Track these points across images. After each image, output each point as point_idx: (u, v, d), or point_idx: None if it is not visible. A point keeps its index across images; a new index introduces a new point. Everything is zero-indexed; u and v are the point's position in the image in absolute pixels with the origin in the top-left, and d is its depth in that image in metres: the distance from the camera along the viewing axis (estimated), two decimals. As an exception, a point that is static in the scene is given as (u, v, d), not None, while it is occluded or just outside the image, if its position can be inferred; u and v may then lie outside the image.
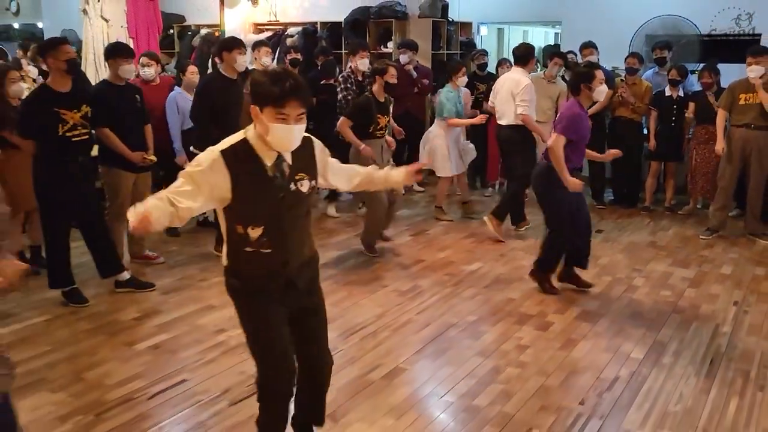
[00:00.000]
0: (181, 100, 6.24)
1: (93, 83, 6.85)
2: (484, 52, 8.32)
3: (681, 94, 7.10)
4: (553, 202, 4.80)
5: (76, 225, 4.82)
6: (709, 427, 3.24)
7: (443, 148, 6.70)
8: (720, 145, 6.24)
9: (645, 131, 7.42)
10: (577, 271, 5.07)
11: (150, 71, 6.23)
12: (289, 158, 2.46)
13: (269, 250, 2.47)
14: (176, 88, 6.50)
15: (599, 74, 4.65)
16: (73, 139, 4.51)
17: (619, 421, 3.29)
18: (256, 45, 6.83)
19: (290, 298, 2.58)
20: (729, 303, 4.85)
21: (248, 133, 2.43)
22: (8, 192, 4.95)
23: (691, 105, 6.90)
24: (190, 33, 10.14)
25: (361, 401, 3.46)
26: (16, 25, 14.74)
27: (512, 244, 6.27)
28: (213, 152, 2.37)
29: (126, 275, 5.01)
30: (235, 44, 5.37)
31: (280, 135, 2.36)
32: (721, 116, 6.28)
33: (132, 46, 7.47)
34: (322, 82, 7.21)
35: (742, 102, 6.13)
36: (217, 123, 5.24)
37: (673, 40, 7.84)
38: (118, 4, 8.20)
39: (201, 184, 2.34)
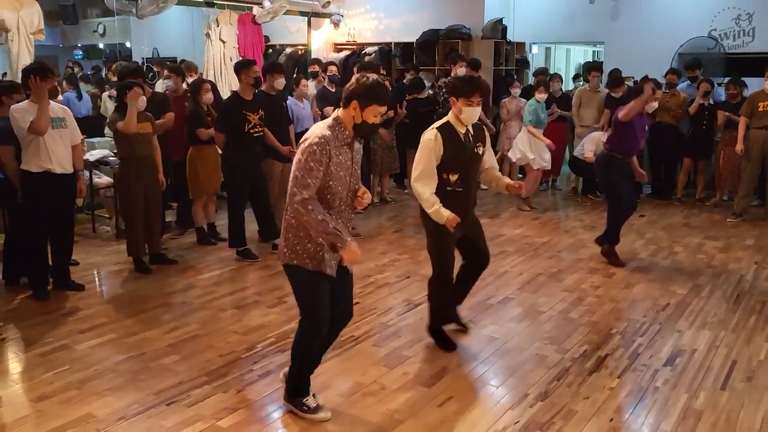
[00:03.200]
0: (295, 108, 7.68)
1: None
2: (544, 70, 9.80)
3: (711, 102, 8.50)
4: (611, 182, 6.15)
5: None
6: (737, 327, 4.67)
7: (527, 147, 8.10)
8: (740, 146, 7.66)
9: (681, 134, 8.79)
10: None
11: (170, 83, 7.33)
12: (471, 132, 4.03)
13: (461, 189, 4.02)
14: (289, 98, 7.94)
15: (648, 88, 5.84)
16: (254, 135, 6.04)
17: (672, 325, 4.73)
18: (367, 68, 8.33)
19: (465, 221, 4.09)
20: (751, 262, 6.25)
21: (449, 117, 4.01)
22: (197, 178, 6.56)
23: (720, 113, 8.27)
24: (283, 52, 11.68)
25: (489, 314, 4.93)
26: (101, 45, 16.45)
27: (573, 223, 7.73)
28: (433, 130, 3.92)
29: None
30: (372, 68, 6.89)
31: (470, 114, 3.97)
32: (742, 122, 7.69)
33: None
34: (408, 97, 8.65)
35: (761, 109, 7.54)
36: None
37: (702, 58, 9.22)
38: (231, 28, 9.80)
39: (435, 152, 3.90)
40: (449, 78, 4.27)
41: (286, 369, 3.59)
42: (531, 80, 9.79)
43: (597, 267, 6.07)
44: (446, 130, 3.99)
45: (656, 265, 6.16)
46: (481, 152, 4.14)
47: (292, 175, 3.12)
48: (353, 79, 3.17)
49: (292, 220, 3.21)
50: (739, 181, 8.07)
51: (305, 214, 3.06)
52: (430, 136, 3.95)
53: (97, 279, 5.76)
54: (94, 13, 16.25)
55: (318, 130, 3.13)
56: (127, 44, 15.57)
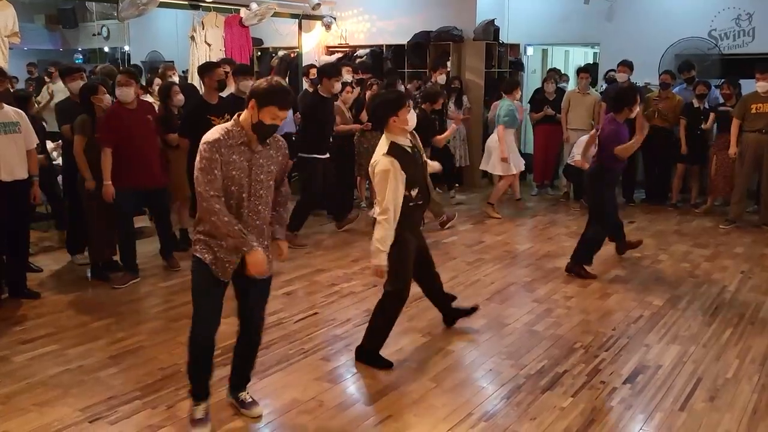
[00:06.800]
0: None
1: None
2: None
3: (706, 105, 8.21)
4: (601, 197, 5.82)
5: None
6: (709, 343, 4.42)
7: (500, 150, 7.93)
8: (733, 149, 7.39)
9: (675, 138, 8.52)
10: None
11: (129, 92, 5.39)
12: (413, 142, 3.94)
13: (421, 202, 3.94)
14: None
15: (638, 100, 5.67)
16: (220, 139, 5.88)
17: (641, 339, 4.49)
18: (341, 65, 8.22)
19: (418, 231, 4.04)
20: (737, 272, 5.98)
21: (389, 138, 3.84)
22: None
23: (711, 115, 7.99)
24: (274, 55, 11.55)
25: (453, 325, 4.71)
26: (106, 49, 16.42)
27: (559, 229, 7.49)
28: (386, 157, 3.75)
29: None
30: (334, 73, 6.74)
31: (412, 118, 3.89)
32: (735, 124, 7.41)
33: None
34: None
35: (753, 111, 7.26)
36: (317, 132, 6.69)
37: (697, 59, 8.95)
38: (217, 31, 9.66)
39: (398, 180, 3.74)
40: (374, 101, 4.15)
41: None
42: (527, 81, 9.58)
43: (574, 276, 5.82)
44: (396, 152, 3.80)
45: (636, 274, 5.91)
46: (425, 158, 4.09)
47: (195, 177, 3.08)
48: (260, 80, 3.14)
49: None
50: (732, 186, 7.80)
51: (213, 212, 3.02)
52: (386, 166, 3.73)
53: (56, 286, 5.61)
54: (92, 16, 16.22)
55: (212, 131, 3.11)
56: (126, 48, 15.53)
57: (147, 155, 5.44)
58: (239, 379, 3.55)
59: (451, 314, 4.67)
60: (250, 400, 3.53)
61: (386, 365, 4.05)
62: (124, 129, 5.30)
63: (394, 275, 3.98)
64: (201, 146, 3.05)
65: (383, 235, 3.78)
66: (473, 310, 4.73)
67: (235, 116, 3.15)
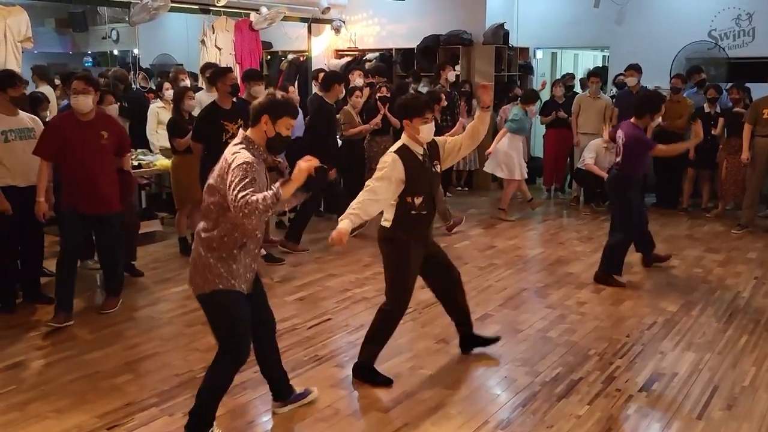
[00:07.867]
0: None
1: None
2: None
3: (717, 110, 8.19)
4: (625, 202, 5.71)
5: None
6: (724, 350, 4.41)
7: (508, 156, 7.93)
8: (746, 155, 7.36)
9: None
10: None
11: (86, 101, 4.69)
12: (427, 152, 3.87)
13: (425, 212, 3.85)
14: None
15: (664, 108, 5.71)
16: (232, 145, 5.90)
17: (656, 346, 4.48)
18: (352, 69, 8.24)
19: (426, 243, 3.98)
20: (750, 278, 5.96)
21: (403, 140, 3.83)
22: (180, 187, 6.44)
23: (720, 120, 7.96)
24: (283, 58, 11.56)
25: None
26: (115, 52, 16.47)
27: (570, 234, 7.48)
28: (391, 154, 3.75)
29: (263, 251, 6.35)
30: (339, 80, 6.78)
31: (427, 131, 3.81)
32: (747, 129, 7.38)
33: (238, 70, 9.06)
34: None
35: (765, 116, 7.24)
36: (326, 136, 6.74)
37: (707, 63, 8.93)
38: (228, 35, 9.70)
39: (390, 177, 3.69)
40: (398, 100, 4.16)
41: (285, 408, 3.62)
42: (535, 86, 9.59)
43: (586, 282, 5.82)
44: (404, 154, 3.77)
45: (649, 280, 5.90)
46: (439, 170, 3.97)
47: (229, 196, 2.93)
48: (263, 96, 3.21)
49: (213, 243, 3.13)
50: (743, 190, 7.77)
51: (257, 207, 2.85)
52: (387, 159, 3.75)
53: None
54: (103, 20, 16.28)
55: (242, 152, 3.02)
56: (135, 51, 15.58)
57: (94, 175, 4.76)
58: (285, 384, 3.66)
59: (469, 340, 4.38)
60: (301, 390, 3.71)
61: (385, 382, 3.92)
62: (67, 141, 4.69)
63: (393, 293, 3.92)
64: (246, 163, 2.92)
65: (361, 200, 3.70)
66: (495, 340, 4.44)
67: (245, 136, 3.12)
